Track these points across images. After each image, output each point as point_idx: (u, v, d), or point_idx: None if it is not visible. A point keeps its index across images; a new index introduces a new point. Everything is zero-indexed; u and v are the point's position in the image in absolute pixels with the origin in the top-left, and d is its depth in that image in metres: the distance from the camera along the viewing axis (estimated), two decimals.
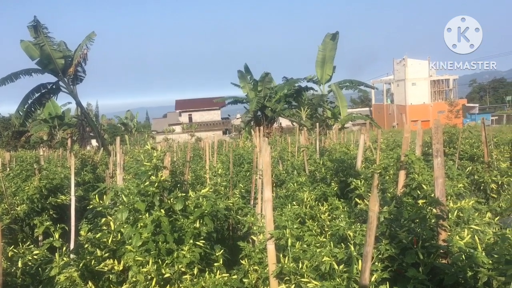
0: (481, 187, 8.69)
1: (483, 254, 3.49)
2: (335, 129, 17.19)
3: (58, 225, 5.51)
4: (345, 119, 39.90)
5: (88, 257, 4.71)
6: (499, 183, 8.59)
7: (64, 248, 4.85)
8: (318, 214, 5.74)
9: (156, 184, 4.95)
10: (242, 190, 8.53)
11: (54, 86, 30.31)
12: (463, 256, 3.60)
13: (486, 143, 9.58)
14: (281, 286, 4.14)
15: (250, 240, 5.61)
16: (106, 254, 4.81)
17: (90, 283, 4.24)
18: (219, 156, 13.95)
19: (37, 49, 28.74)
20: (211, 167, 9.98)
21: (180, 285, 4.36)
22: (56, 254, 4.59)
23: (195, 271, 4.53)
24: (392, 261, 3.87)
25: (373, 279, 3.54)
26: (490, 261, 3.38)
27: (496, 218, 4.88)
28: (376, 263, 3.74)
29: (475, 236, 3.82)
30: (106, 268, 4.56)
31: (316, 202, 6.37)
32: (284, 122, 52.56)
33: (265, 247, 4.45)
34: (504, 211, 7.78)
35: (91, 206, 5.53)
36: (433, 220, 4.19)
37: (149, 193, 4.91)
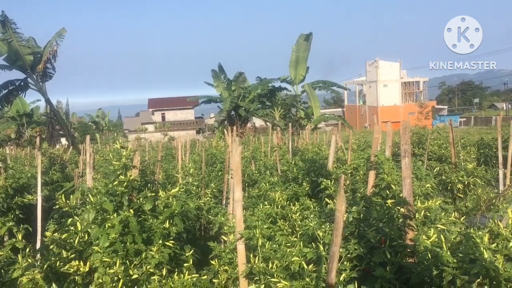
0: (448, 187, 8.88)
1: (448, 253, 3.55)
2: (308, 129, 17.28)
3: (22, 226, 5.35)
4: (318, 119, 40.22)
5: (53, 258, 4.59)
6: (466, 183, 8.79)
7: (28, 249, 4.71)
8: (289, 214, 5.75)
9: (125, 183, 4.86)
10: (214, 190, 8.49)
11: (22, 83, 29.50)
12: (429, 255, 3.65)
13: (454, 144, 9.81)
14: (251, 286, 4.12)
15: (222, 240, 5.58)
16: (72, 255, 4.70)
17: (54, 285, 4.12)
18: (192, 155, 13.84)
19: (4, 45, 27.93)
20: (183, 166, 9.90)
21: (148, 286, 4.30)
22: (19, 255, 4.45)
23: (164, 271, 4.47)
24: (360, 260, 3.91)
25: (341, 278, 3.56)
26: (455, 260, 3.44)
27: (462, 218, 4.99)
28: (345, 263, 3.76)
29: (441, 235, 3.88)
30: (71, 270, 4.45)
31: (288, 202, 6.38)
32: (258, 122, 52.65)
33: (235, 247, 4.43)
34: (470, 210, 7.98)
35: (57, 206, 5.40)
36: (400, 220, 4.25)
37: (117, 192, 4.82)
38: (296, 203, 6.30)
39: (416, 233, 4.09)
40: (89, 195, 4.94)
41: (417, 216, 4.42)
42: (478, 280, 3.12)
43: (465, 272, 3.24)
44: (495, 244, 3.54)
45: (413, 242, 3.95)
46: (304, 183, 7.71)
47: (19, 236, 5.02)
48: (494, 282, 3.17)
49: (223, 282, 4.60)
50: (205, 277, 4.56)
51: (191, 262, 4.72)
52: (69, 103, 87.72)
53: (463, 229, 4.39)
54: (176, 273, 4.45)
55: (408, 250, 3.94)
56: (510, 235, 3.65)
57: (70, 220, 5.15)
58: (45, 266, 4.39)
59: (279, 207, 6.01)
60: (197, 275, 4.51)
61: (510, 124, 9.90)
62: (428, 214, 4.67)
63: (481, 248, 3.41)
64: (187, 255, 4.78)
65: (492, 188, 9.55)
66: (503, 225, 3.85)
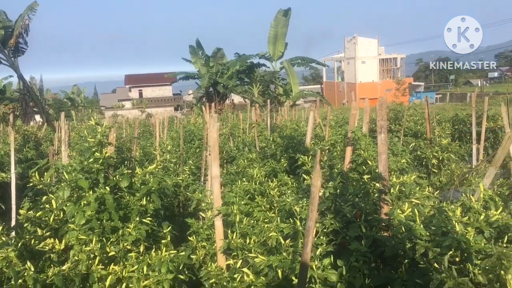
0: (423, 163, 9.04)
1: (421, 226, 3.63)
2: (287, 106, 17.31)
3: None
4: (297, 96, 40.24)
5: (27, 237, 4.53)
6: (440, 158, 8.95)
7: (1, 227, 4.63)
8: (267, 190, 5.78)
9: (101, 160, 4.79)
10: (192, 167, 8.45)
11: None
12: (403, 229, 3.73)
13: (429, 120, 9.95)
14: (228, 262, 4.16)
15: (200, 217, 5.59)
16: (48, 233, 4.65)
17: (28, 263, 4.07)
18: (170, 132, 13.73)
19: None
20: (161, 143, 9.81)
21: (126, 262, 4.29)
22: None
23: (141, 248, 4.47)
24: (336, 234, 3.96)
25: (318, 252, 3.61)
26: (428, 233, 3.52)
27: (436, 192, 5.09)
28: (321, 237, 3.81)
29: (415, 209, 3.96)
30: (46, 248, 4.40)
31: (266, 178, 6.41)
32: (237, 98, 52.41)
33: (213, 224, 4.44)
34: (444, 185, 8.15)
35: (31, 184, 5.30)
36: (376, 195, 4.31)
37: (93, 170, 4.76)
38: (274, 179, 6.33)
39: (391, 207, 4.16)
40: (64, 172, 4.86)
41: (392, 191, 4.49)
42: (450, 252, 3.20)
43: (437, 244, 3.32)
44: (467, 217, 3.63)
45: (387, 216, 4.02)
46: (282, 160, 7.75)
47: None
48: (465, 254, 3.26)
49: (201, 258, 4.63)
50: (183, 253, 4.57)
51: (169, 239, 4.71)
52: (43, 79, 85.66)
53: (436, 203, 4.48)
54: (153, 250, 4.45)
55: (383, 224, 4.02)
56: (481, 209, 3.75)
57: (45, 198, 5.07)
58: (19, 244, 4.33)
59: (257, 183, 6.03)
60: (175, 251, 4.52)
61: (484, 100, 10.06)
62: (403, 189, 4.75)
63: (453, 221, 3.50)
64: (165, 231, 4.77)
65: (466, 163, 9.75)
66: (475, 199, 3.94)
